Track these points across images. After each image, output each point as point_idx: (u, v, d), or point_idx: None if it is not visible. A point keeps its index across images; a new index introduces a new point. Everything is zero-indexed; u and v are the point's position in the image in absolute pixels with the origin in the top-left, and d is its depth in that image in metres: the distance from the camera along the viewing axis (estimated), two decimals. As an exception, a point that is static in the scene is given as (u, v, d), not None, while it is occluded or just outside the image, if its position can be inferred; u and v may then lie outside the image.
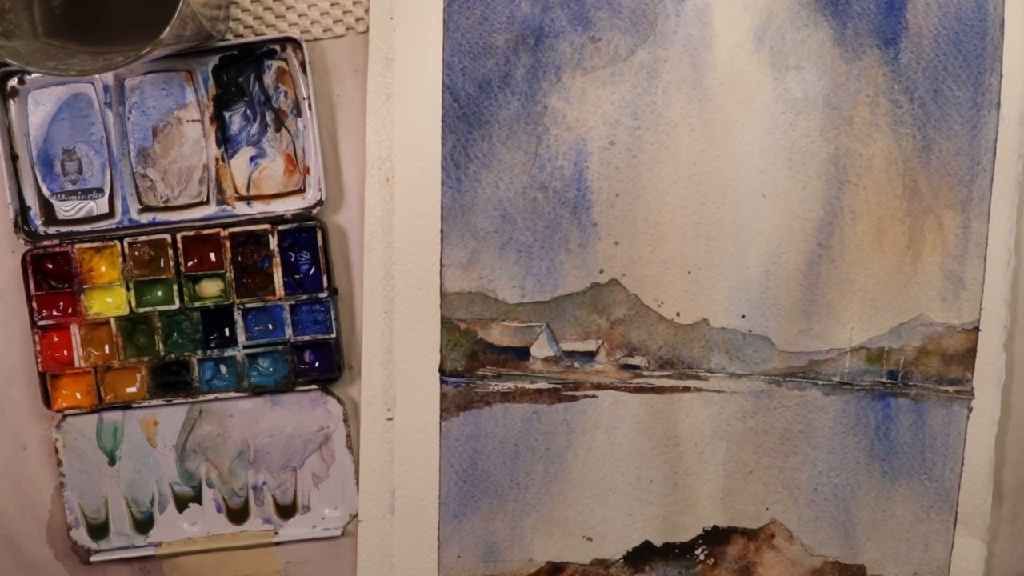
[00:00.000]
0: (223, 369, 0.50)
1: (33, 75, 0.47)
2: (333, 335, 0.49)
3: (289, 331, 0.49)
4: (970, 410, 0.49)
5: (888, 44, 0.47)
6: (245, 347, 0.49)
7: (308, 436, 0.50)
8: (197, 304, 0.49)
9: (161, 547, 0.51)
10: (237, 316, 0.49)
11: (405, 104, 0.48)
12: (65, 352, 0.49)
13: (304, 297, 0.49)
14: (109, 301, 0.49)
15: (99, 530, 0.50)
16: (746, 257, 0.48)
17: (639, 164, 0.48)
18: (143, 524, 0.51)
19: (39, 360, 0.49)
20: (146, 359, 0.49)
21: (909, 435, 0.50)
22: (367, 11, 0.48)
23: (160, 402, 0.50)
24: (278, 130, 0.48)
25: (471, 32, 0.47)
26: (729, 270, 0.48)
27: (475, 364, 0.49)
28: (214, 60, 0.47)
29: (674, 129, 0.48)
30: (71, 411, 0.49)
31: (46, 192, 0.48)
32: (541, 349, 0.49)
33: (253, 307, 0.49)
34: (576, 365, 0.49)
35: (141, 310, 0.49)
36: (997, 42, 0.47)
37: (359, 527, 0.50)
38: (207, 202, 0.48)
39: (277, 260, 0.49)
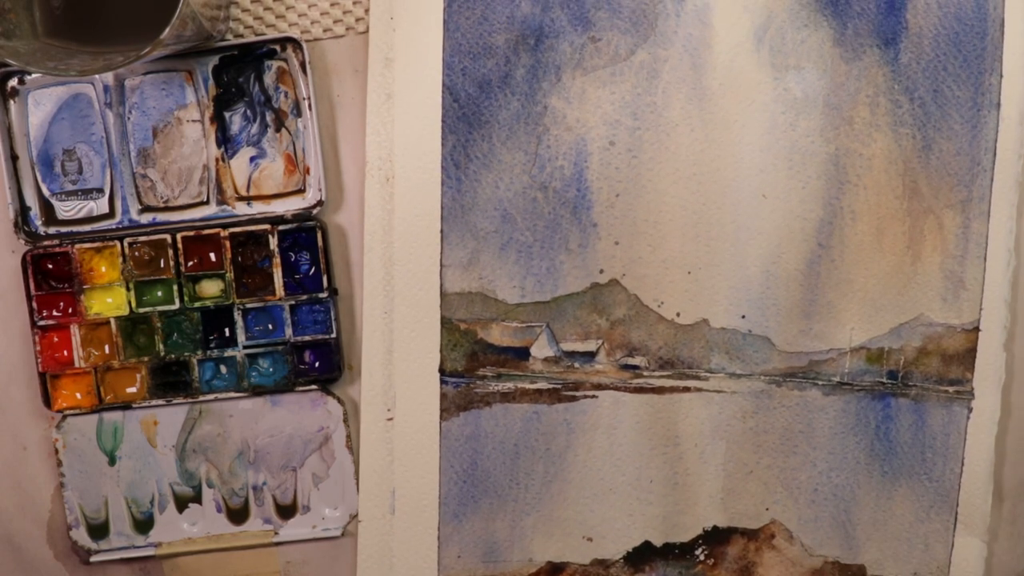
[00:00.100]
0: (223, 369, 0.50)
1: (33, 75, 0.47)
2: (333, 335, 0.49)
3: (289, 331, 0.49)
4: (970, 410, 0.49)
5: (888, 44, 0.47)
6: (245, 347, 0.49)
7: (308, 436, 0.50)
8: (197, 304, 0.49)
9: (161, 547, 0.51)
10: (237, 316, 0.49)
11: (405, 104, 0.48)
12: (65, 352, 0.49)
13: (304, 297, 0.49)
14: (109, 301, 0.49)
15: (99, 530, 0.50)
16: (746, 257, 0.48)
17: (639, 164, 0.48)
18: (143, 524, 0.51)
19: (39, 360, 0.49)
20: (146, 359, 0.49)
21: (909, 435, 0.50)
22: (367, 11, 0.48)
23: (160, 402, 0.50)
24: (278, 130, 0.48)
25: (471, 32, 0.47)
26: (729, 270, 0.48)
27: (475, 364, 0.49)
28: (214, 60, 0.47)
29: (674, 129, 0.48)
30: (71, 411, 0.49)
31: (46, 192, 0.48)
32: (541, 349, 0.49)
33: (253, 307, 0.49)
34: (576, 365, 0.49)
35: (141, 310, 0.49)
36: (997, 42, 0.47)
37: (359, 527, 0.50)
38: (207, 202, 0.48)
39: (277, 260, 0.49)
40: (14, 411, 0.50)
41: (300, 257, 0.49)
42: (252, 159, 0.48)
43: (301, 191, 0.48)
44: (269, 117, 0.48)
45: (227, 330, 0.49)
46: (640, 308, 0.49)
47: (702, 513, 0.50)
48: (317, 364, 0.49)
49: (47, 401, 0.49)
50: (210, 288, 0.49)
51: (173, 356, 0.49)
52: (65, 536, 0.51)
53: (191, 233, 0.48)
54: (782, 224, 0.48)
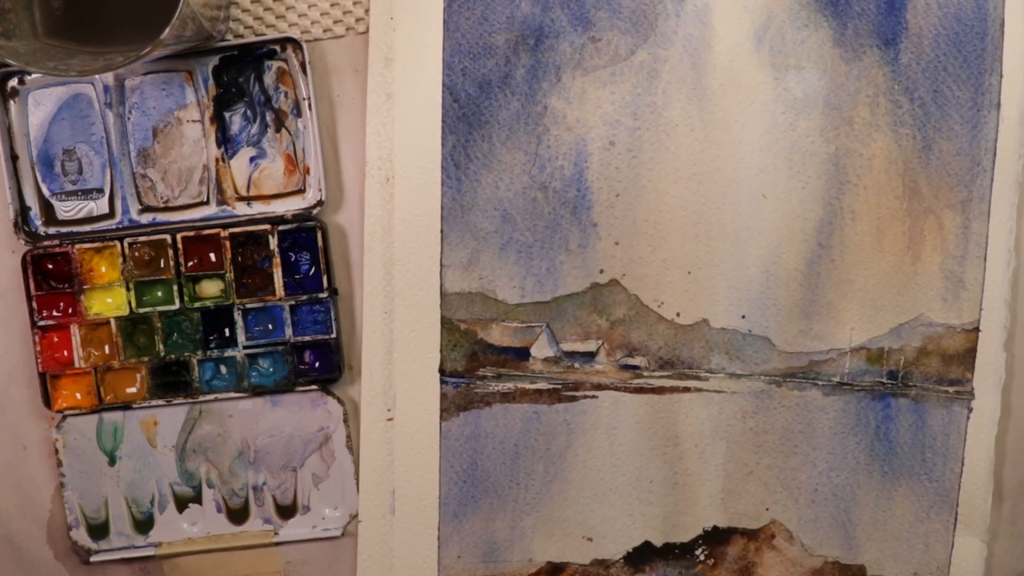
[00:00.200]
0: (223, 369, 0.50)
1: (33, 75, 0.47)
2: (333, 335, 0.49)
3: (289, 331, 0.49)
4: (970, 410, 0.49)
5: (888, 44, 0.47)
6: (245, 347, 0.49)
7: (308, 436, 0.50)
8: (197, 304, 0.49)
9: (161, 547, 0.51)
10: (237, 316, 0.49)
11: (405, 104, 0.48)
12: (65, 352, 0.49)
13: (304, 297, 0.49)
14: (109, 301, 0.49)
15: (99, 530, 0.50)
16: (746, 257, 0.48)
17: (639, 164, 0.48)
18: (143, 524, 0.51)
19: (39, 360, 0.49)
20: (146, 359, 0.49)
21: (909, 435, 0.50)
22: (367, 11, 0.48)
23: (160, 402, 0.50)
24: (278, 130, 0.48)
25: (471, 32, 0.47)
26: (729, 270, 0.48)
27: (475, 364, 0.49)
28: (214, 60, 0.47)
29: (674, 129, 0.48)
30: (71, 411, 0.49)
31: (46, 192, 0.48)
32: (541, 349, 0.49)
33: (253, 307, 0.49)
34: (576, 365, 0.49)
35: (141, 310, 0.49)
36: (997, 42, 0.47)
37: (359, 527, 0.50)
38: (207, 202, 0.48)
39: (277, 260, 0.49)
40: (14, 411, 0.50)
41: (300, 257, 0.49)
42: (252, 159, 0.48)
43: (301, 191, 0.48)
44: (269, 117, 0.48)
45: (227, 330, 0.49)
46: (640, 308, 0.49)
47: (702, 513, 0.50)
48: (317, 364, 0.49)
49: (47, 401, 0.49)
50: (210, 288, 0.49)
51: (173, 356, 0.49)
52: (65, 536, 0.51)
53: (191, 233, 0.48)
54: (782, 224, 0.48)
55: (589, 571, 0.51)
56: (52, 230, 0.48)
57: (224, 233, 0.48)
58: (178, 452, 0.50)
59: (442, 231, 0.48)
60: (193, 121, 0.48)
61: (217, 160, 0.48)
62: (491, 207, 0.48)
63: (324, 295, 0.49)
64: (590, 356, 0.49)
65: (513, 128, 0.48)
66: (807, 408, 0.50)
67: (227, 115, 0.48)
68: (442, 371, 0.49)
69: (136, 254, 0.48)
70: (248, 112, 0.48)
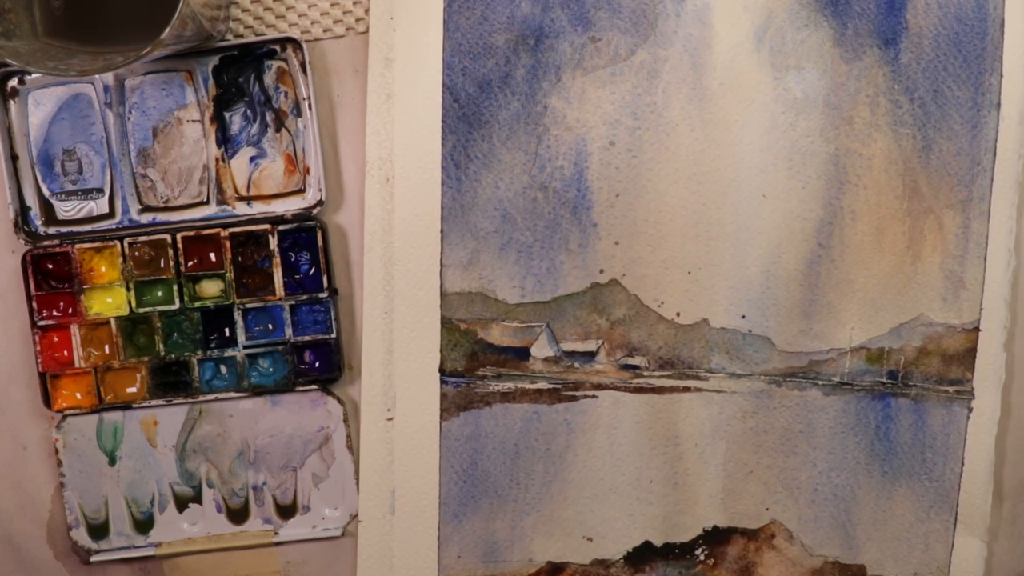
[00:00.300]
0: (223, 369, 0.50)
1: (33, 75, 0.47)
2: (333, 335, 0.49)
3: (289, 331, 0.49)
4: (970, 410, 0.49)
5: (888, 44, 0.47)
6: (245, 347, 0.49)
7: (308, 436, 0.50)
8: (197, 304, 0.49)
9: (161, 547, 0.51)
10: (237, 316, 0.49)
11: (405, 104, 0.48)
12: (65, 352, 0.49)
13: (304, 297, 0.49)
14: (109, 301, 0.49)
15: (99, 530, 0.50)
16: (746, 257, 0.48)
17: (639, 164, 0.48)
18: (143, 524, 0.51)
19: (39, 360, 0.49)
20: (146, 359, 0.49)
21: (909, 435, 0.50)
22: (367, 11, 0.48)
23: (160, 402, 0.50)
24: (278, 130, 0.48)
25: (471, 32, 0.47)
26: (729, 270, 0.48)
27: (475, 364, 0.49)
28: (214, 60, 0.47)
29: (674, 129, 0.48)
30: (71, 411, 0.49)
31: (46, 192, 0.48)
32: (541, 349, 0.49)
33: (253, 307, 0.49)
34: (576, 365, 0.49)
35: (141, 310, 0.49)
36: (997, 42, 0.47)
37: (359, 527, 0.50)
38: (207, 202, 0.48)
39: (277, 260, 0.49)
40: (14, 411, 0.50)
41: (300, 257, 0.49)
42: (252, 159, 0.48)
43: (301, 191, 0.48)
44: (269, 117, 0.48)
45: (227, 330, 0.49)
46: (640, 308, 0.49)
47: (702, 513, 0.50)
48: (317, 364, 0.49)
49: (47, 401, 0.49)
50: (210, 288, 0.49)
51: (173, 356, 0.49)
52: (65, 536, 0.51)
53: (191, 233, 0.48)
54: (782, 224, 0.48)
55: (589, 571, 0.51)
56: (52, 230, 0.48)
57: (224, 233, 0.48)
58: (178, 452, 0.50)
59: (442, 231, 0.48)
60: (193, 121, 0.48)
61: (217, 160, 0.48)
62: (491, 207, 0.48)
63: (324, 295, 0.49)
64: (590, 356, 0.49)
65: (513, 128, 0.48)
66: (807, 408, 0.50)
67: (227, 115, 0.48)
68: (442, 371, 0.49)
69: (136, 254, 0.48)
70: (248, 112, 0.48)
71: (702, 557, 0.51)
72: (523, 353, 0.49)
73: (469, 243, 0.48)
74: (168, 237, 0.48)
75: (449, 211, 0.48)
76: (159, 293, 0.49)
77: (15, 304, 0.49)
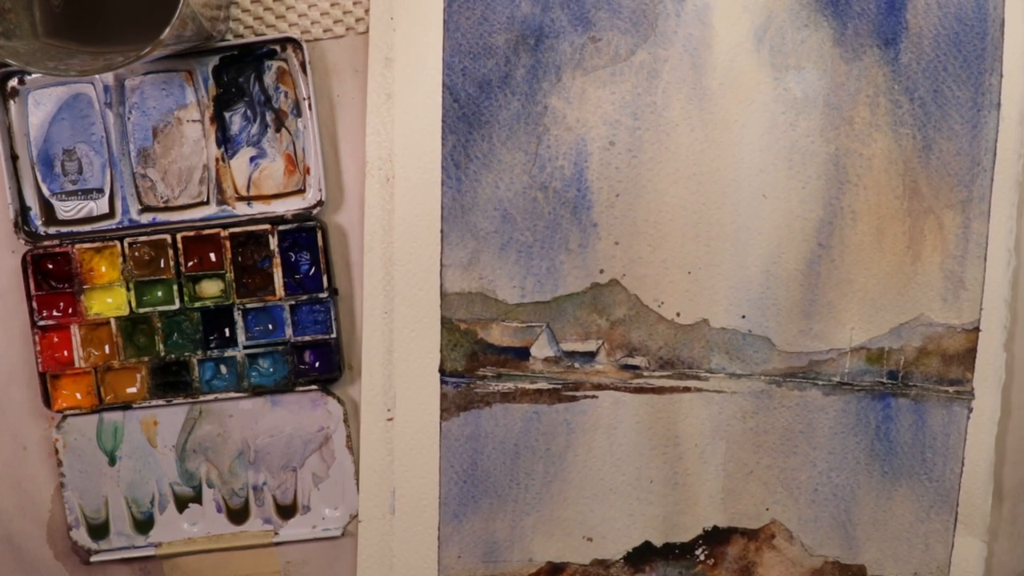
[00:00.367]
0: (223, 369, 0.50)
1: (33, 75, 0.47)
2: (333, 335, 0.49)
3: (289, 331, 0.49)
4: (970, 410, 0.49)
5: (888, 44, 0.47)
6: (245, 347, 0.49)
7: (308, 436, 0.50)
8: (197, 304, 0.49)
9: (161, 547, 0.51)
10: (237, 316, 0.49)
11: (405, 104, 0.48)
12: (65, 352, 0.49)
13: (304, 297, 0.49)
14: (109, 301, 0.49)
15: (99, 530, 0.50)
16: (746, 257, 0.48)
17: (639, 164, 0.48)
18: (143, 524, 0.51)
19: (39, 360, 0.49)
20: (146, 359, 0.49)
21: (909, 435, 0.50)
22: (367, 11, 0.48)
23: (160, 402, 0.50)
24: (278, 130, 0.48)
25: (471, 32, 0.47)
26: (729, 270, 0.48)
27: (475, 364, 0.49)
28: (214, 60, 0.47)
29: (674, 129, 0.48)
30: (71, 411, 0.49)
31: (46, 192, 0.48)
32: (541, 349, 0.49)
33: (253, 307, 0.49)
34: (576, 365, 0.49)
35: (141, 310, 0.49)
36: (997, 42, 0.47)
37: (359, 527, 0.50)
38: (207, 202, 0.48)
39: (277, 260, 0.49)
40: (14, 411, 0.50)
41: (300, 257, 0.49)
42: (252, 159, 0.48)
43: (301, 191, 0.48)
44: (269, 117, 0.48)
45: (227, 330, 0.49)
46: (640, 308, 0.49)
47: (702, 513, 0.50)
48: (317, 364, 0.49)
49: (47, 401, 0.49)
50: (210, 288, 0.49)
51: (173, 356, 0.49)
52: (65, 536, 0.51)
53: (191, 233, 0.48)
54: (782, 224, 0.48)
55: (589, 571, 0.51)
56: (52, 230, 0.48)
57: (224, 233, 0.48)
58: (178, 452, 0.50)
59: (442, 231, 0.48)
60: (193, 121, 0.48)
61: (217, 160, 0.48)
62: (491, 207, 0.48)
63: (324, 295, 0.49)
64: (590, 356, 0.49)
65: (513, 128, 0.48)
66: (807, 408, 0.50)
67: (227, 115, 0.48)
68: (442, 371, 0.49)
69: (136, 254, 0.48)
70: (248, 112, 0.48)
71: (702, 557, 0.51)
72: (523, 353, 0.49)
73: (469, 243, 0.48)
74: (168, 237, 0.48)
75: (449, 211, 0.48)
76: (159, 293, 0.49)
77: (15, 304, 0.49)
